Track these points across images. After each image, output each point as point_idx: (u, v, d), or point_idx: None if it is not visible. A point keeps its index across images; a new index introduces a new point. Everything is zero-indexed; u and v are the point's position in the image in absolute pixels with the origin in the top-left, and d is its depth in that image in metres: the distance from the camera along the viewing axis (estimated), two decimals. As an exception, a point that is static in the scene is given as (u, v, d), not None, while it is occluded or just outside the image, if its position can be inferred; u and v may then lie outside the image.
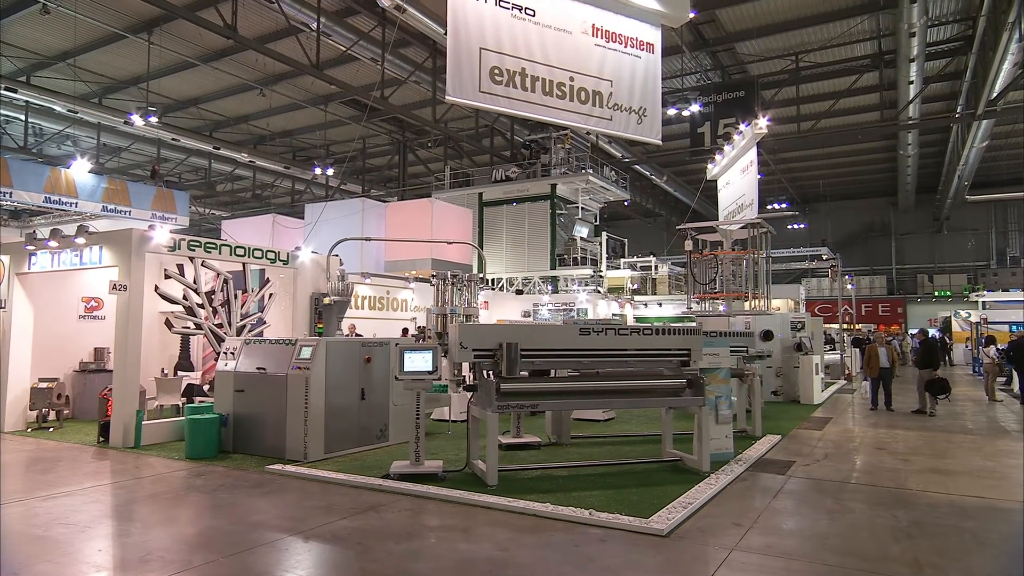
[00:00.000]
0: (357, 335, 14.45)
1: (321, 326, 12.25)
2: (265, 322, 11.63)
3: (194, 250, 10.40)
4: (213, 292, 10.94)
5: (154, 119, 22.18)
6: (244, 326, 11.21)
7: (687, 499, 6.41)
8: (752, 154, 19.19)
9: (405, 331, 16.27)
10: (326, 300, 12.41)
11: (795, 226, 41.73)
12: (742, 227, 17.41)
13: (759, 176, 19.44)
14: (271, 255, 11.80)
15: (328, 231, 18.14)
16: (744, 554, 5.04)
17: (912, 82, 19.23)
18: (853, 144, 30.60)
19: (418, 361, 7.36)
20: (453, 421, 11.07)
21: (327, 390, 8.49)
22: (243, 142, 29.03)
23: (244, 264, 11.32)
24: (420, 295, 19.00)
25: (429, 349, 7.46)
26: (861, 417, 12.76)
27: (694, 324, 11.99)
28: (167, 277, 10.66)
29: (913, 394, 14.90)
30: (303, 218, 22.22)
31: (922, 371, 13.17)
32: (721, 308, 17.15)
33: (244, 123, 27.49)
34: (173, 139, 25.09)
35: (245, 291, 11.36)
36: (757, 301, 16.03)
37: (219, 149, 26.66)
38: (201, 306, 10.74)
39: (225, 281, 11.02)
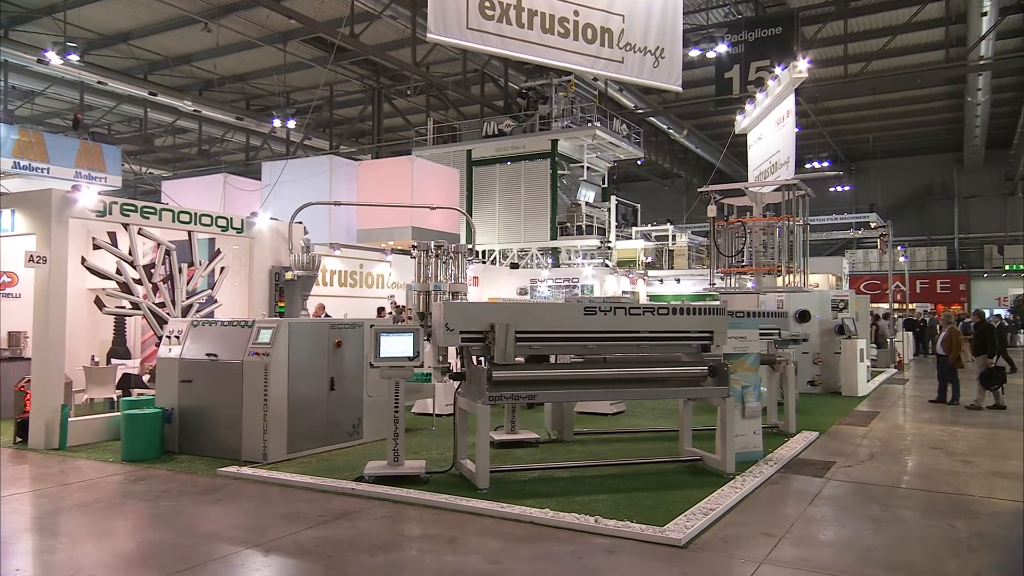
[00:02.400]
0: (326, 316, 14.46)
1: (283, 305, 12.23)
2: (216, 300, 11.60)
3: (128, 215, 10.30)
4: (153, 265, 10.86)
5: (75, 57, 21.79)
6: (191, 305, 11.16)
7: (708, 504, 6.45)
8: (789, 103, 19.08)
9: (381, 311, 16.28)
10: (288, 275, 12.37)
11: (838, 188, 41.77)
12: (775, 189, 17.37)
13: (797, 129, 19.37)
14: (222, 222, 11.72)
15: (290, 194, 18.04)
16: (775, 568, 5.08)
17: (985, 13, 18.96)
18: (911, 90, 30.43)
19: (397, 345, 7.35)
20: (438, 415, 11.11)
21: (290, 380, 8.49)
22: (186, 87, 28.68)
23: (190, 232, 11.23)
24: (399, 269, 18.96)
25: (410, 332, 7.46)
26: (914, 411, 12.87)
27: (718, 303, 11.96)
28: (96, 248, 10.56)
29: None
30: (260, 179, 22.11)
31: (978, 358, 13.28)
32: (749, 284, 17.18)
33: (186, 64, 27.10)
34: (99, 82, 24.65)
35: (191, 264, 11.30)
36: (792, 276, 16.05)
37: (156, 95, 26.33)
38: (138, 282, 10.67)
39: (167, 252, 10.95)
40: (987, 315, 16.65)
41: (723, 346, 7.94)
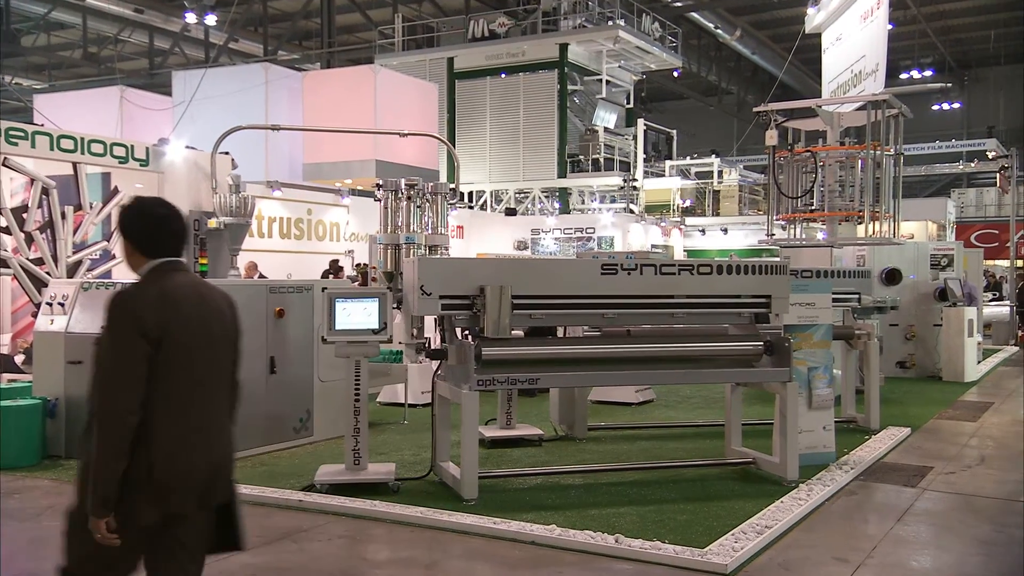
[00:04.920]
0: (261, 276, 14.44)
1: (204, 262, 12.20)
2: (114, 256, 11.55)
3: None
4: (25, 209, 10.80)
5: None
6: (79, 262, 11.15)
7: (763, 520, 6.48)
8: (880, -9, 18.86)
9: (335, 265, 16.22)
10: (212, 223, 12.32)
11: (945, 106, 41.58)
12: (859, 108, 17.23)
13: (890, 27, 19.17)
14: (119, 151, 11.64)
15: (211, 115, 17.88)
16: (853, 604, 5.14)
17: None
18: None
19: (357, 314, 7.34)
20: (411, 405, 11.14)
21: (213, 360, 8.46)
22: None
23: (76, 165, 11.16)
24: (359, 216, 18.86)
25: (374, 296, 7.44)
26: (1039, 401, 12.92)
27: (777, 259, 11.89)
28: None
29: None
30: (169, 94, 21.93)
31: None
32: (820, 235, 17.13)
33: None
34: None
35: (79, 208, 11.25)
36: (877, 224, 15.98)
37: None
38: (5, 230, 10.61)
39: (44, 191, 10.88)
40: None
41: (784, 315, 7.92)
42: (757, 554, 5.85)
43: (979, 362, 16.26)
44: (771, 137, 16.69)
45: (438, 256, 10.90)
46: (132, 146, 11.87)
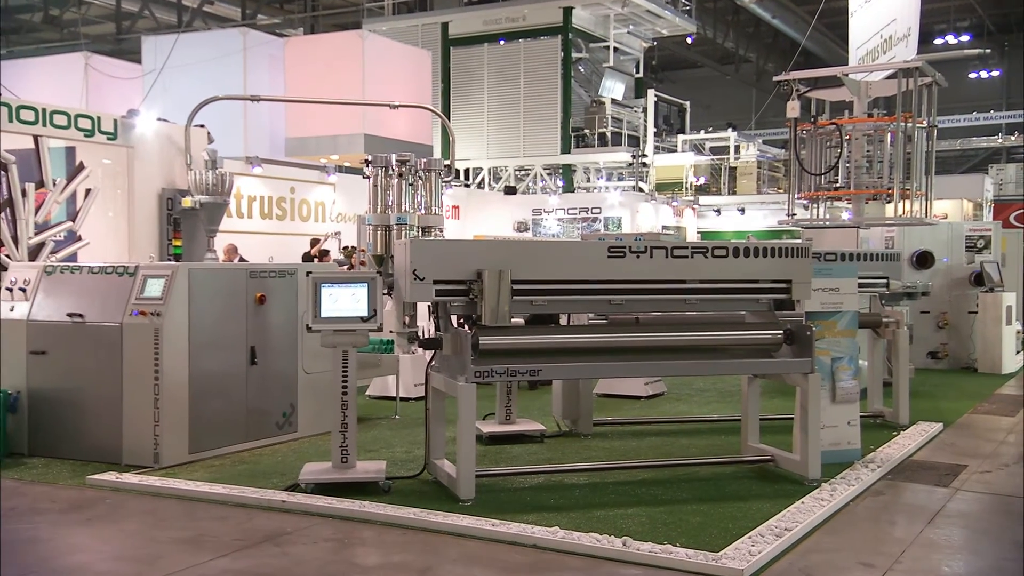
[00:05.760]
0: (241, 260, 14.46)
1: (179, 244, 12.20)
2: (79, 237, 11.58)
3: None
4: (-17, 186, 10.82)
5: None
6: (42, 244, 11.14)
7: (783, 523, 6.52)
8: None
9: (316, 247, 16.21)
10: (186, 202, 12.33)
11: (982, 74, 41.48)
12: (889, 76, 17.19)
13: (923, -13, 19.10)
14: (85, 123, 11.65)
15: (185, 84, 17.87)
16: (879, 612, 5.17)
17: None
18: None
19: (345, 301, 7.36)
20: (403, 399, 11.20)
21: (192, 350, 8.50)
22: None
23: (37, 138, 11.14)
24: (346, 195, 18.87)
25: (363, 281, 7.46)
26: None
27: (799, 240, 11.90)
28: None
29: None
30: (139, 62, 21.84)
31: None
32: (845, 215, 17.10)
33: None
34: None
35: (41, 185, 11.24)
36: (908, 202, 15.97)
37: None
38: (-39, 210, 10.63)
39: (3, 168, 10.88)
40: None
41: (806, 302, 7.94)
42: (776, 558, 5.87)
43: (1018, 352, 16.24)
44: (793, 108, 16.63)
45: (432, 238, 10.91)
46: (98, 118, 11.85)
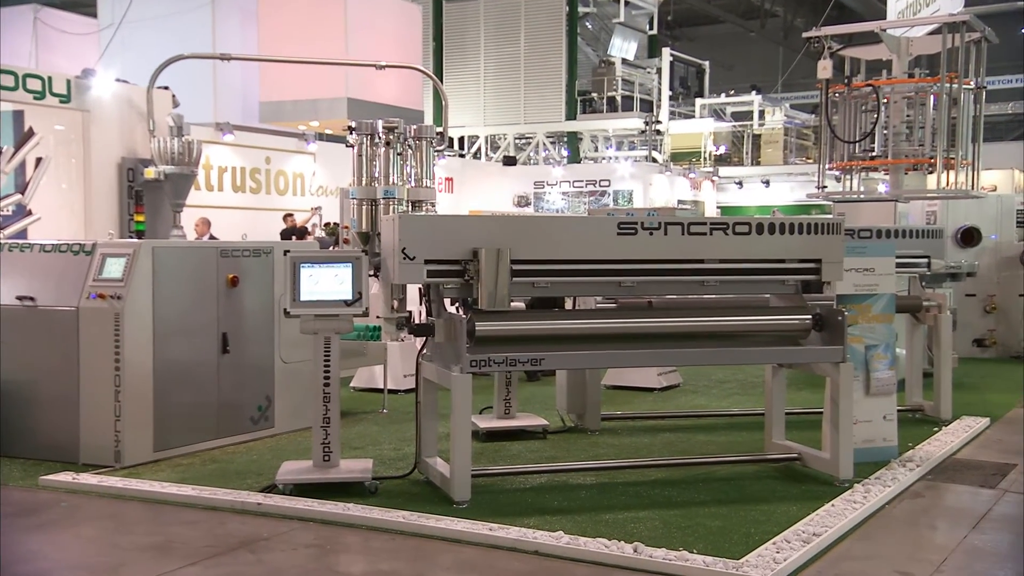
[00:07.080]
0: (211, 237, 14.53)
1: (142, 220, 12.23)
2: (29, 211, 11.59)
3: None
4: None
5: None
6: (-12, 221, 11.19)
7: (811, 527, 6.57)
8: None
9: (300, 231, 16.31)
10: (149, 172, 12.34)
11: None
12: (931, 31, 17.26)
13: (972, -68, 19.10)
14: (35, 84, 11.62)
15: (146, 40, 17.88)
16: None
17: None
18: None
19: (326, 283, 7.39)
20: (391, 391, 11.27)
21: (157, 337, 8.51)
22: None
23: (-19, 103, 11.21)
24: (327, 166, 18.90)
25: (347, 261, 7.51)
26: None
27: (829, 216, 12.02)
28: None
29: None
30: (95, 16, 21.71)
31: None
32: (882, 187, 17.16)
33: None
34: None
35: (-14, 155, 11.30)
36: (952, 173, 16.08)
37: None
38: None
39: (-54, 135, 10.96)
40: None
41: (837, 283, 8.00)
42: (803, 566, 5.90)
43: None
44: (824, 68, 16.67)
45: (423, 213, 10.95)
46: (49, 78, 11.87)
